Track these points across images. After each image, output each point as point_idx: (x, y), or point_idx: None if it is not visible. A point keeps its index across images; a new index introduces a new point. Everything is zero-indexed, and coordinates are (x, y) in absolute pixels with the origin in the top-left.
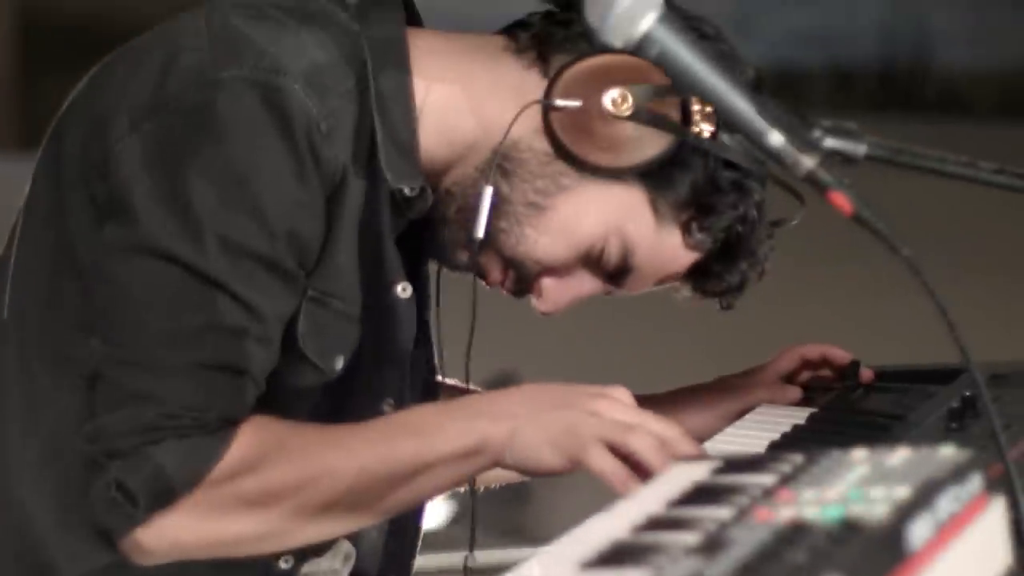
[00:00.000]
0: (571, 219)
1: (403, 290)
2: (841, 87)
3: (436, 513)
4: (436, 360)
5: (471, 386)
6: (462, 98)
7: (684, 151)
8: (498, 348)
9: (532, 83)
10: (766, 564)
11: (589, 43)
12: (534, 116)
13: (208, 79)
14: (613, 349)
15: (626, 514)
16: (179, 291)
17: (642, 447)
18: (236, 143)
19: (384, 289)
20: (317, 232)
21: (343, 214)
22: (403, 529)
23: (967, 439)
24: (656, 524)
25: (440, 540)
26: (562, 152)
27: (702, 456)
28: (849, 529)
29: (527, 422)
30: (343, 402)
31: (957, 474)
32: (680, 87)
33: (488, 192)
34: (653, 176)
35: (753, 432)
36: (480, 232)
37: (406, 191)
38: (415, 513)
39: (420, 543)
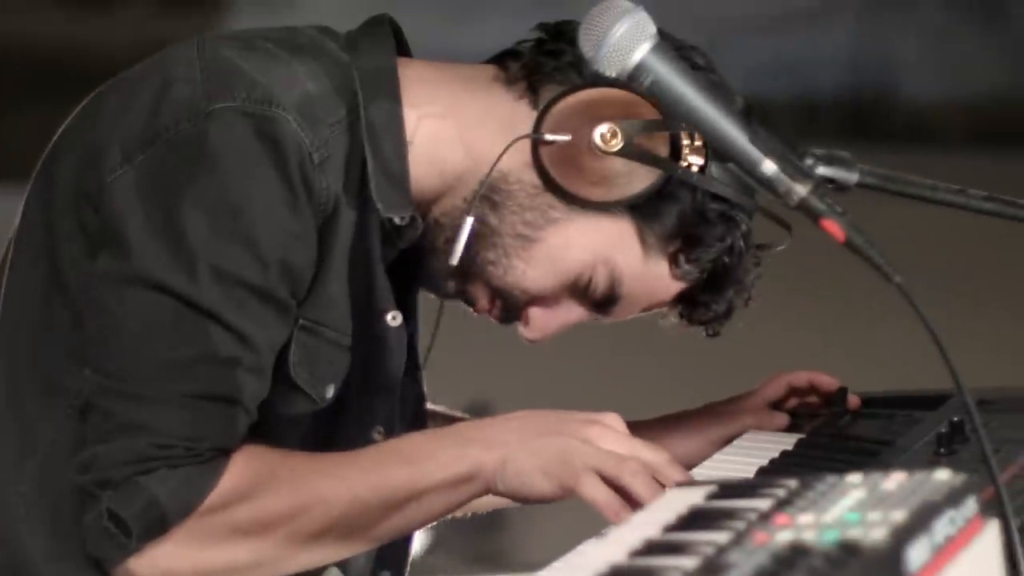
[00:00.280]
0: (559, 251)
1: (393, 318)
2: (808, 117)
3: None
4: (424, 388)
5: (458, 413)
6: (452, 129)
7: (672, 184)
8: (473, 378)
9: (522, 115)
10: None
11: (579, 73)
12: (523, 149)
13: (201, 111)
14: (593, 378)
15: (622, 539)
16: (172, 322)
17: (634, 482)
18: (229, 174)
19: (375, 318)
20: (309, 262)
21: (335, 244)
22: (392, 555)
23: (957, 464)
24: (653, 548)
25: (416, 568)
26: (551, 186)
27: (694, 483)
28: (848, 552)
29: (519, 449)
30: (333, 430)
31: (952, 498)
32: (673, 116)
33: (469, 222)
34: (641, 208)
35: (741, 458)
36: (455, 260)
37: (396, 220)
38: (403, 539)
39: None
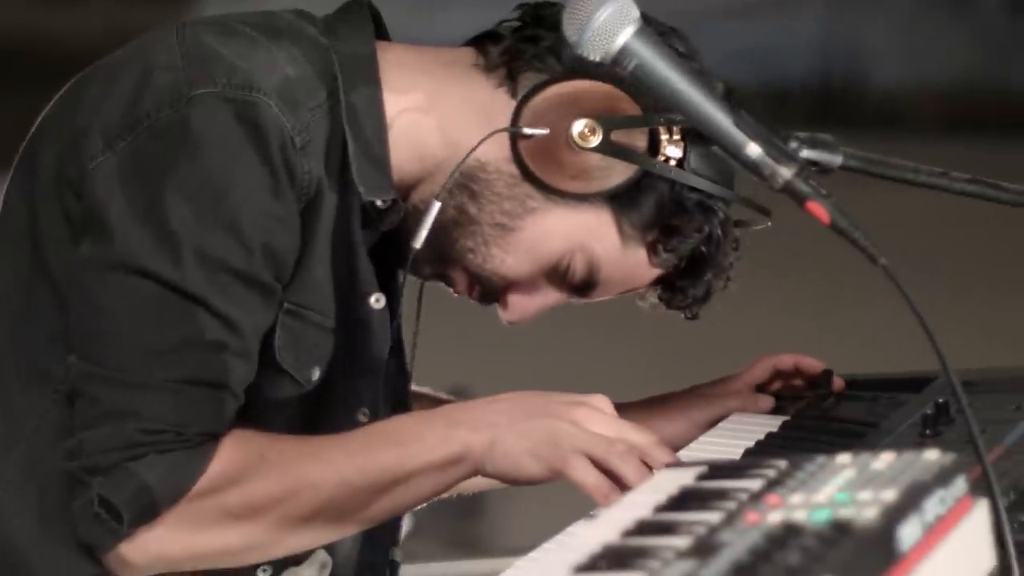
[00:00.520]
0: (538, 239)
1: (376, 301)
2: (778, 105)
3: None
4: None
5: (444, 395)
6: (431, 115)
7: (650, 175)
8: (453, 361)
9: (500, 104)
10: (759, 565)
11: (558, 59)
12: (502, 140)
13: (182, 96)
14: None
15: (614, 519)
16: (157, 307)
17: (623, 465)
18: (211, 159)
19: (358, 300)
20: (292, 245)
21: (318, 227)
22: (378, 538)
23: (942, 445)
24: (645, 528)
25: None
26: (529, 177)
27: (683, 464)
28: (840, 531)
29: (507, 431)
30: (319, 412)
31: (942, 477)
32: (657, 100)
33: (436, 206)
34: (619, 198)
35: (726, 440)
36: (418, 243)
37: (378, 203)
38: (391, 522)
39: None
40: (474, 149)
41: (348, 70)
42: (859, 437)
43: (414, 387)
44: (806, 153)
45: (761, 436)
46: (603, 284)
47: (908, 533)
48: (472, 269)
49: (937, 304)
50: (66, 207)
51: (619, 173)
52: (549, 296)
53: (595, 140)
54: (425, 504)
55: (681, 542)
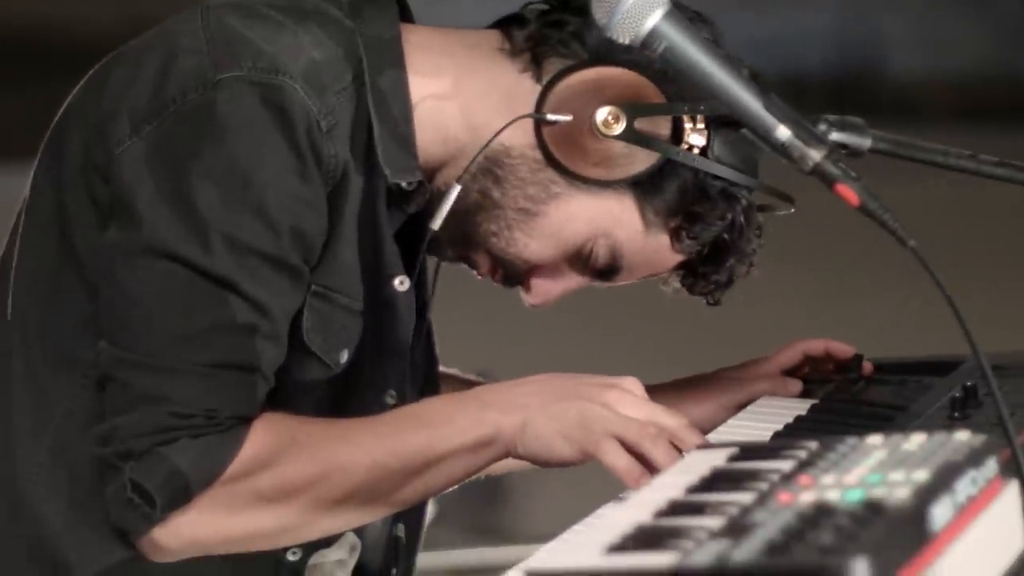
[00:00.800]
0: (561, 224)
1: (401, 283)
2: (794, 94)
3: None
4: (436, 350)
5: (472, 376)
6: (455, 99)
7: (674, 162)
8: (476, 344)
9: (525, 89)
10: (792, 544)
11: (583, 44)
12: (526, 125)
13: (208, 80)
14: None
15: (646, 501)
16: (187, 292)
17: (654, 449)
18: (237, 143)
19: (383, 282)
20: (320, 228)
21: (345, 210)
22: (407, 520)
23: (971, 427)
24: (678, 509)
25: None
26: (553, 163)
27: (713, 446)
28: (873, 511)
29: (538, 413)
30: (347, 395)
31: (973, 458)
32: (686, 82)
33: (456, 189)
34: (643, 185)
35: (755, 423)
36: (436, 225)
37: (404, 185)
38: (419, 504)
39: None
40: (498, 134)
41: (373, 53)
42: (888, 420)
43: (441, 368)
44: (835, 136)
45: (790, 419)
46: (626, 269)
47: (940, 513)
48: (495, 253)
49: (965, 287)
50: (93, 192)
51: (642, 160)
52: (572, 280)
53: (619, 128)
54: (456, 487)
55: (714, 522)
